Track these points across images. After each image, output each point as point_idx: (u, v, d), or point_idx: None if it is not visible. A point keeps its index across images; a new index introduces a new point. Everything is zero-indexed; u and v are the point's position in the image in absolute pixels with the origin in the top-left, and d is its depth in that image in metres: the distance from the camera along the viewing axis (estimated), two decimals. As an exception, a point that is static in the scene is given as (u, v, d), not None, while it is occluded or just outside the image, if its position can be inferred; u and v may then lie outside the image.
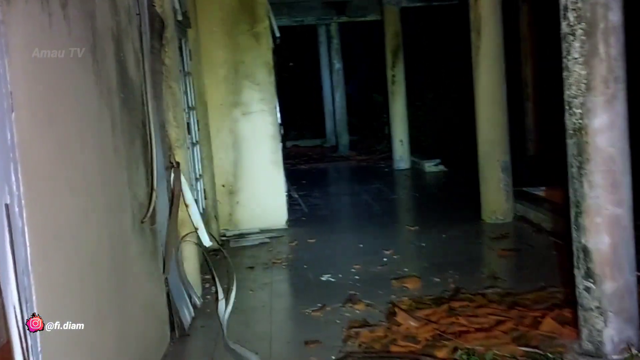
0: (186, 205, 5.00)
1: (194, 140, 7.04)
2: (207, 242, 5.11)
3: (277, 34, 9.58)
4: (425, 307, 4.90)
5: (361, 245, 7.24)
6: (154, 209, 4.22)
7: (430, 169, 13.04)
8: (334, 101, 18.57)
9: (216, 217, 7.76)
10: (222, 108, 8.25)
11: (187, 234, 5.07)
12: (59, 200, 2.69)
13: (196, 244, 5.19)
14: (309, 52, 20.34)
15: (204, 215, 7.23)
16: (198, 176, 7.10)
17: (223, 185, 8.31)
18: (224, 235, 8.17)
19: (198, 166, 7.22)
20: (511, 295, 5.07)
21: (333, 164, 15.72)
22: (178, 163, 5.19)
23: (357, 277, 6.03)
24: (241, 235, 8.10)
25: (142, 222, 4.05)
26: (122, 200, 3.63)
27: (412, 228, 7.83)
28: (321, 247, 7.33)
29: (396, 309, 4.78)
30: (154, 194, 4.24)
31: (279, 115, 8.53)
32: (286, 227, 8.42)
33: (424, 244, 7.08)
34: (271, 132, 8.37)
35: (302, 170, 14.87)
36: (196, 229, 5.07)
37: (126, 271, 3.63)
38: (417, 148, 14.55)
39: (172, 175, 5.05)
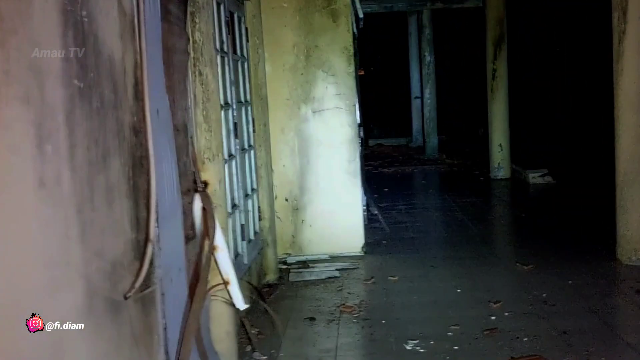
0: (212, 250, 3.41)
1: (246, 145, 5.46)
2: (240, 304, 3.49)
3: (361, 15, 7.90)
4: None
5: (459, 291, 5.48)
6: (149, 271, 2.63)
7: (536, 180, 11.09)
8: (422, 97, 16.74)
9: (274, 242, 6.17)
10: (288, 104, 6.64)
11: (213, 287, 3.46)
12: None
13: (226, 302, 3.59)
14: (397, 43, 18.54)
15: (258, 243, 5.65)
16: (250, 191, 5.52)
17: (286, 200, 6.71)
18: (285, 262, 6.58)
19: (251, 178, 5.64)
20: None
21: (420, 167, 13.93)
22: (206, 184, 3.61)
23: (455, 347, 4.30)
24: (305, 264, 6.48)
25: (125, 298, 2.47)
26: (58, 265, 2.03)
27: (525, 267, 5.99)
28: (406, 290, 5.62)
29: None
30: (150, 248, 2.65)
31: (358, 114, 6.84)
32: (362, 253, 6.75)
33: (544, 294, 5.25)
34: (348, 135, 6.70)
35: (385, 174, 13.15)
36: (226, 283, 3.46)
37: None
38: (518, 155, 12.56)
39: (197, 202, 3.46)
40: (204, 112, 3.74)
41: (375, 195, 10.23)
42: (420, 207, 9.57)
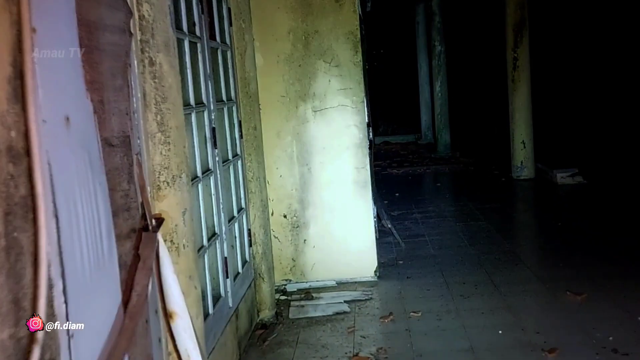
0: (168, 317, 2.32)
1: (230, 155, 4.36)
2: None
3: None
4: None
5: (500, 332, 4.38)
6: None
7: (564, 180, 9.98)
8: (432, 90, 15.61)
9: (270, 271, 5.06)
10: (284, 102, 5.54)
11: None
12: None
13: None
14: (403, 33, 17.41)
15: (249, 275, 4.56)
16: (236, 212, 4.42)
17: (284, 216, 5.62)
18: (284, 292, 5.50)
19: (238, 195, 4.55)
20: None
21: (433, 167, 12.79)
22: (159, 220, 2.51)
23: None
24: (308, 293, 5.39)
25: None
26: None
27: (579, 297, 4.88)
28: (433, 331, 4.51)
29: None
30: (36, 352, 1.57)
31: (367, 113, 5.72)
32: (375, 278, 5.67)
33: (610, 338, 4.14)
34: (356, 137, 5.60)
35: (394, 176, 12.03)
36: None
37: None
38: (543, 152, 11.44)
39: (144, 249, 2.36)
40: (158, 117, 2.64)
41: (386, 202, 9.12)
42: (437, 215, 8.45)
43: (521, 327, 4.41)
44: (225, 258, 3.92)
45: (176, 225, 2.70)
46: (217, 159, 3.87)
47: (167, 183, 2.68)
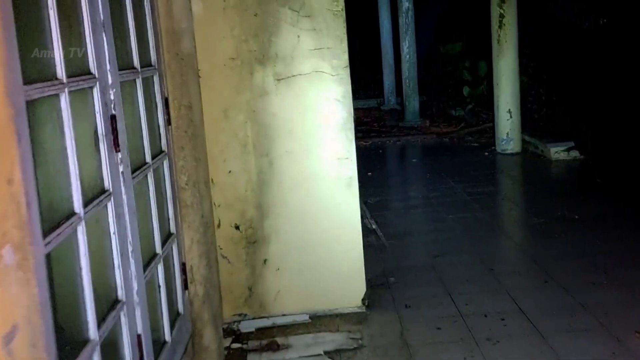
0: None
1: (148, 156, 2.72)
2: None
3: None
4: None
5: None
6: None
7: (559, 156, 8.62)
8: (397, 52, 14.03)
9: (216, 317, 3.47)
10: (233, 67, 3.89)
11: None
12: None
13: None
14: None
15: (182, 337, 2.95)
16: (159, 247, 2.79)
17: (236, 228, 4.02)
18: (236, 334, 3.93)
19: (163, 217, 2.92)
20: None
21: (403, 139, 11.26)
22: None
23: None
24: (271, 336, 3.83)
25: None
26: None
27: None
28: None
29: None
30: None
31: (349, 84, 4.09)
32: (363, 309, 4.14)
33: None
34: (339, 116, 4.00)
35: (362, 150, 10.43)
36: None
37: None
38: (531, 124, 10.07)
39: None
40: None
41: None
42: (422, 202, 6.96)
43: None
44: (139, 336, 2.31)
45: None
46: (120, 169, 2.23)
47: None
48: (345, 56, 3.97)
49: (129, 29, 2.56)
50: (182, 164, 3.11)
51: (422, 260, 5.12)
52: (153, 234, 2.68)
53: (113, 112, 2.21)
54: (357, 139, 10.82)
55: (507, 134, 9.35)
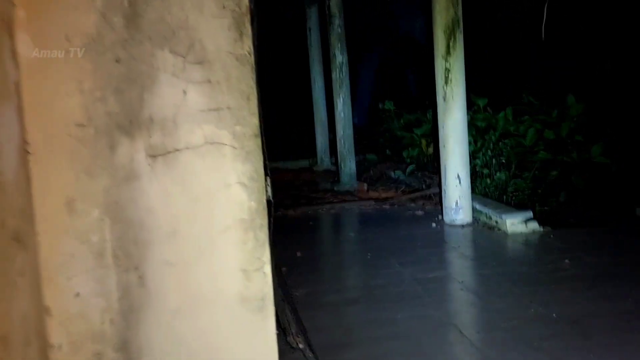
0: None
1: None
2: None
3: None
4: None
5: None
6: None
7: (515, 228, 7.57)
8: (330, 109, 12.98)
9: None
10: (83, 137, 2.55)
11: None
12: None
13: None
14: (295, 38, 14.72)
15: None
16: None
17: (88, 379, 2.62)
18: None
19: None
20: None
21: (338, 206, 10.02)
22: None
23: None
24: None
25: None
26: None
27: None
28: None
29: None
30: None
31: (262, 158, 2.80)
32: None
33: None
34: (244, 208, 2.69)
35: (290, 221, 9.13)
36: None
37: None
38: (479, 188, 9.05)
39: None
40: None
41: (284, 269, 6.28)
42: (363, 294, 5.68)
43: None
44: None
45: None
46: None
47: None
48: (255, 120, 2.71)
49: None
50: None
51: (368, 389, 3.81)
52: None
53: None
54: (283, 207, 9.55)
55: (456, 202, 8.26)
